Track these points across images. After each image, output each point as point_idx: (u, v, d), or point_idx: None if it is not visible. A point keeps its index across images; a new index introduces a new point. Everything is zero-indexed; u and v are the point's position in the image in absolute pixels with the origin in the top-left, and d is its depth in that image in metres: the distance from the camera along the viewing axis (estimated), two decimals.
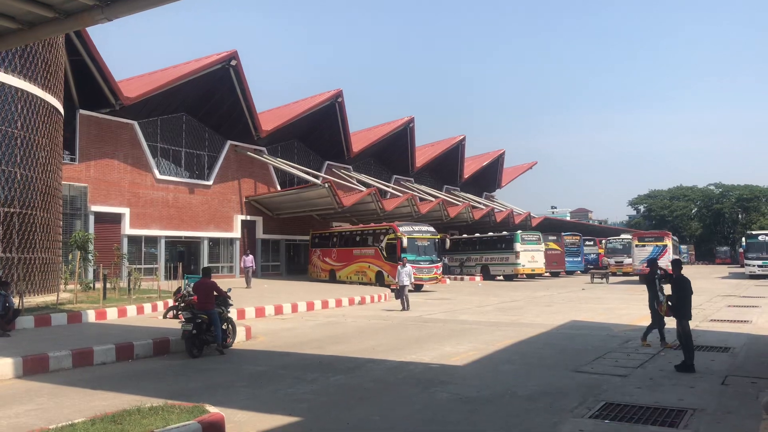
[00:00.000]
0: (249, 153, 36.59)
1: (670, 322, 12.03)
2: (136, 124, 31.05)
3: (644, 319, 12.91)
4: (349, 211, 36.97)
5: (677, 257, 12.33)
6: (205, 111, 34.09)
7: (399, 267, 20.92)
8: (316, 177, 38.49)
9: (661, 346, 12.05)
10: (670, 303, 10.53)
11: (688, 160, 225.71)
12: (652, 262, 11.45)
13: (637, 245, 37.06)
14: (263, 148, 37.64)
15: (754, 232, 45.43)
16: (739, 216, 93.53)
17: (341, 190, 37.56)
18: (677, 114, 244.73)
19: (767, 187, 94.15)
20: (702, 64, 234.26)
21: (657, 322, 12.10)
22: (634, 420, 6.92)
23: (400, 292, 20.50)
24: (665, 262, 28.84)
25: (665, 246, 35.59)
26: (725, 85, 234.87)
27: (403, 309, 19.93)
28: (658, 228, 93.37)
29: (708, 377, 9.18)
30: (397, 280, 20.78)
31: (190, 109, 33.67)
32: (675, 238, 50.94)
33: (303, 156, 41.72)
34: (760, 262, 40.42)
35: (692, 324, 10.14)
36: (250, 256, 29.27)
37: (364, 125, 64.76)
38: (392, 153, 48.43)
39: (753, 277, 40.15)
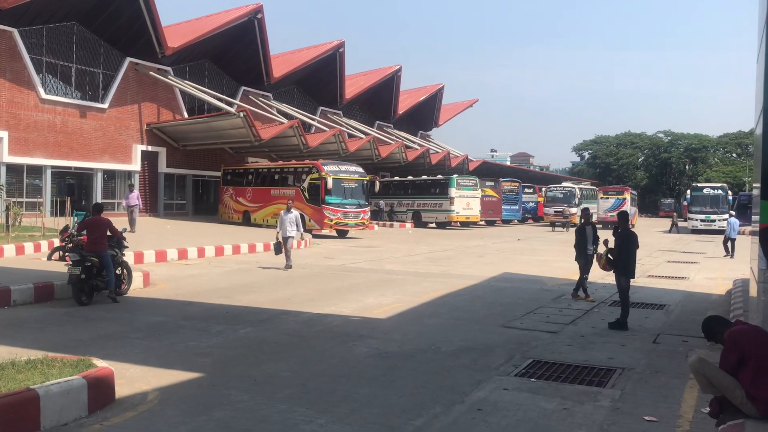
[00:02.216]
0: (152, 73, 35.10)
1: (602, 277, 12.63)
2: (15, 31, 29.11)
3: (578, 271, 13.48)
4: (268, 146, 36.37)
5: (625, 210, 12.82)
6: (100, 21, 32.26)
7: (282, 213, 17.92)
8: (230, 104, 37.50)
9: (572, 296, 12.94)
10: (611, 257, 10.96)
11: (640, 105, 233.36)
12: (622, 213, 11.40)
13: (601, 197, 49.67)
14: (168, 68, 36.18)
15: (699, 185, 47.87)
16: (686, 167, 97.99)
17: (259, 120, 36.81)
18: (630, 52, 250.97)
19: (717, 137, 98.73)
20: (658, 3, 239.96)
21: (585, 271, 12.92)
22: (561, 379, 7.28)
23: (280, 246, 17.41)
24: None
25: (624, 199, 48.06)
26: (682, 28, 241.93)
27: (287, 266, 17.08)
28: (601, 176, 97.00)
29: (640, 335, 9.73)
30: (278, 228, 17.70)
31: (82, 18, 31.80)
32: (634, 192, 58.80)
33: (215, 79, 40.43)
34: (702, 217, 42.79)
35: (632, 278, 10.66)
36: (135, 192, 26.86)
37: (288, 48, 63.23)
38: (319, 82, 47.61)
39: (695, 231, 42.47)
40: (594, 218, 42.92)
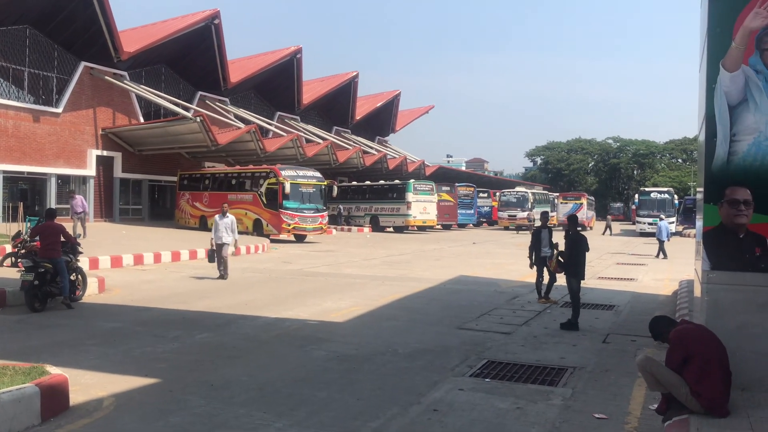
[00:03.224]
0: (107, 78, 34.42)
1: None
2: None
3: (532, 274, 13.68)
4: (225, 151, 36.00)
5: (574, 213, 13.00)
6: (54, 25, 31.50)
7: (217, 217, 16.42)
8: (187, 109, 36.97)
9: (542, 301, 13.02)
10: (561, 259, 11.14)
11: (590, 111, 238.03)
12: (572, 217, 11.55)
13: (561, 202, 54.28)
14: (124, 73, 35.51)
15: (647, 189, 49.07)
16: (635, 172, 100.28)
17: (216, 125, 36.39)
18: (581, 60, 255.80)
19: (663, 143, 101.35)
20: (609, 15, 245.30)
21: (540, 275, 13.07)
22: (515, 379, 7.37)
23: (214, 253, 15.98)
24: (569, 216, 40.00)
25: (581, 203, 52.48)
26: (632, 37, 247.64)
27: (220, 277, 15.77)
28: (553, 181, 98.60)
29: (591, 335, 9.92)
30: (212, 235, 16.14)
31: (35, 21, 31.02)
32: (591, 197, 63.21)
33: (172, 84, 39.83)
34: (650, 220, 43.78)
35: (582, 281, 10.85)
36: (78, 198, 24.16)
37: (246, 54, 62.69)
38: (276, 87, 47.33)
39: (643, 234, 43.42)
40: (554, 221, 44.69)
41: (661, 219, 27.53)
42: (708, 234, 6.51)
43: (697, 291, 7.23)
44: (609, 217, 51.19)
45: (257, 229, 29.70)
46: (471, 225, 52.72)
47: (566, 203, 53.84)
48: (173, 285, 14.60)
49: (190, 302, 12.16)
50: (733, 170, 6.38)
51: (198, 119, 31.77)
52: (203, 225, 32.44)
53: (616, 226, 64.26)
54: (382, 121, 63.02)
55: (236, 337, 9.26)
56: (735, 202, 6.36)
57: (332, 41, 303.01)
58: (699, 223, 7.19)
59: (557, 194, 66.00)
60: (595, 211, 65.15)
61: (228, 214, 16.57)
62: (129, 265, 18.26)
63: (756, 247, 6.33)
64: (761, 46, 6.34)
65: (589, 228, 57.69)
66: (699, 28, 7.64)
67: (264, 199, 29.42)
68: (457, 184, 49.44)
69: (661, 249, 25.52)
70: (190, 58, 39.47)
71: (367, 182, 46.16)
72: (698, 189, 8.08)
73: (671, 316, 10.88)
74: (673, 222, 43.84)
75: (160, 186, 39.19)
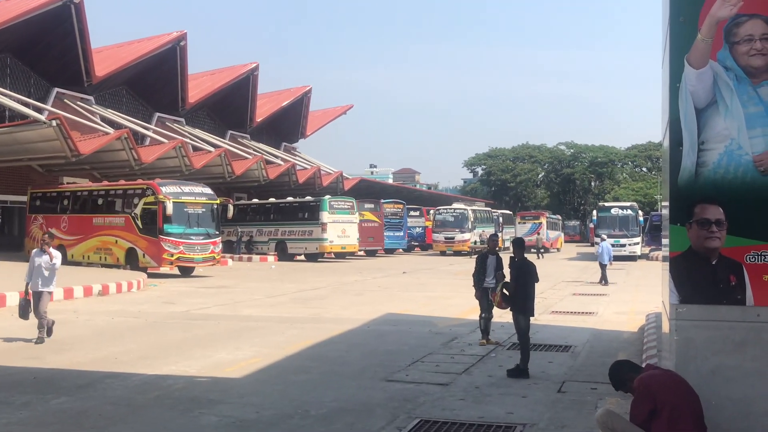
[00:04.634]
0: None
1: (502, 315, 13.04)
2: None
3: (474, 310, 13.85)
4: (89, 162, 35.18)
5: (521, 237, 13.22)
6: None
7: (34, 252, 14.21)
8: (40, 110, 35.92)
9: (481, 340, 13.20)
10: (506, 292, 11.29)
11: (539, 112, 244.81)
12: (517, 241, 11.67)
13: (519, 222, 60.37)
14: None
15: (606, 204, 50.70)
16: (592, 183, 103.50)
17: (77, 130, 35.57)
18: (528, 51, 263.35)
19: (625, 149, 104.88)
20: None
21: (485, 309, 13.16)
22: None
23: (29, 305, 13.79)
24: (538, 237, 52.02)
25: (540, 223, 57.41)
26: (588, 26, 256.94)
27: (38, 339, 13.12)
28: (497, 196, 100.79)
29: (543, 384, 10.09)
30: (26, 278, 13.94)
31: None
32: (555, 216, 69.01)
33: (20, 79, 38.79)
34: (611, 241, 45.13)
35: (531, 317, 11.04)
36: None
37: (117, 41, 61.47)
38: (155, 82, 46.70)
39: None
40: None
41: (603, 239, 28.81)
42: (676, 261, 6.72)
43: (666, 327, 7.46)
44: (536, 235, 52.72)
45: (131, 260, 29.00)
46: (401, 250, 53.14)
47: (524, 223, 58.96)
48: (21, 334, 14.02)
49: (44, 357, 11.72)
50: (703, 184, 6.62)
51: (54, 122, 30.85)
52: (62, 256, 31.44)
53: (572, 248, 66.15)
54: (289, 123, 62.99)
55: (103, 401, 8.96)
56: (705, 222, 6.59)
57: (222, 25, 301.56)
58: (665, 244, 7.42)
59: (504, 211, 67.91)
60: (562, 229, 68.57)
61: (51, 249, 14.02)
62: None
63: (731, 274, 6.57)
64: (730, 39, 6.61)
65: (555, 249, 61.52)
66: (661, 17, 7.94)
67: (139, 222, 28.78)
68: (383, 201, 49.86)
69: (603, 274, 26.99)
70: (43, 46, 38.44)
71: (272, 200, 45.94)
72: (663, 203, 8.36)
73: (637, 358, 11.26)
74: (638, 243, 45.43)
75: (5, 207, 37.90)
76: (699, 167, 6.64)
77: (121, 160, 35.57)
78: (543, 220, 58.47)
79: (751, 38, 6.57)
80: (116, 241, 29.62)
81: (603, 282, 26.67)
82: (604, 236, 30.82)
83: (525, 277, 10.91)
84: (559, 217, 74.02)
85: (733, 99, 6.60)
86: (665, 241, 7.47)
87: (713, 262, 6.60)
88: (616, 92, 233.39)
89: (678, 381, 5.96)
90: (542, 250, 49.93)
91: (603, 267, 27.02)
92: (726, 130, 6.60)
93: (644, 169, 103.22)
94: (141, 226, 28.72)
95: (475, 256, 14.40)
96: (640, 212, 48.22)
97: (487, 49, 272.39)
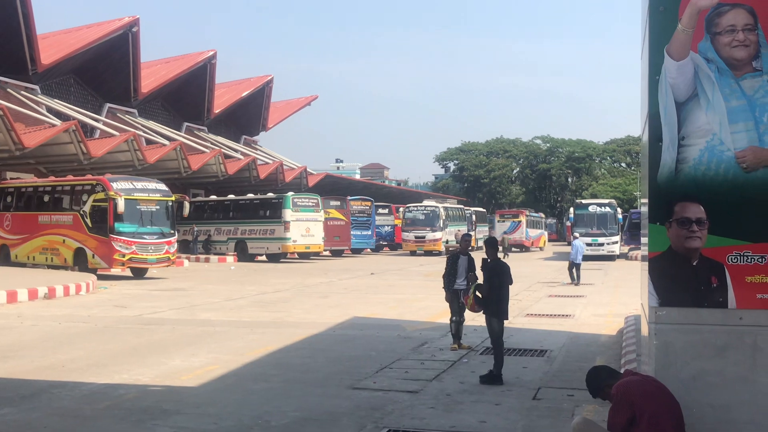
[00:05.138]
0: None
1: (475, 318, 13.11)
2: None
3: (446, 313, 13.90)
4: (35, 156, 34.76)
5: (494, 236, 13.31)
6: None
7: None
8: None
9: (452, 344, 13.23)
10: (479, 294, 11.32)
11: (513, 104, 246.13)
12: (489, 241, 11.77)
13: (498, 220, 61.17)
14: None
15: (583, 202, 51.17)
16: (569, 180, 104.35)
17: (21, 122, 35.19)
18: (501, 40, 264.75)
19: (603, 143, 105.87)
20: None
21: (456, 312, 13.19)
22: None
23: None
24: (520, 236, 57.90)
25: (520, 222, 59.16)
26: (565, 15, 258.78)
27: None
28: (470, 192, 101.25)
29: (518, 390, 10.15)
30: None
31: None
32: (539, 214, 70.96)
33: None
34: (588, 240, 45.46)
35: (505, 320, 11.10)
36: None
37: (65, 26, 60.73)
38: (105, 70, 46.25)
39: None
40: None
41: (575, 237, 29.14)
42: (655, 261, 6.78)
43: (645, 329, 7.53)
44: (505, 236, 52.84)
45: (80, 261, 28.75)
46: (368, 250, 53.19)
47: (503, 221, 60.37)
48: None
49: None
50: (683, 182, 6.67)
51: None
52: (5, 257, 31.20)
53: (548, 247, 66.78)
54: (249, 115, 62.75)
55: (49, 412, 8.87)
56: (686, 221, 6.65)
57: (178, 11, 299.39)
58: (644, 242, 7.48)
59: (477, 209, 68.35)
60: (546, 227, 69.40)
61: None
62: None
63: (712, 276, 6.63)
64: (712, 30, 6.67)
65: (539, 248, 63.69)
66: (640, 6, 8.01)
67: (89, 220, 28.53)
68: (349, 198, 49.85)
69: (573, 273, 27.39)
70: None
71: (231, 196, 45.71)
72: (642, 199, 8.43)
73: (616, 362, 11.37)
74: (616, 242, 45.90)
75: None
76: (679, 164, 6.68)
77: (69, 154, 35.18)
78: (523, 219, 59.53)
79: (734, 29, 6.62)
80: (64, 241, 29.34)
81: (575, 282, 27.03)
82: (577, 234, 31.19)
83: (499, 278, 10.93)
84: (542, 215, 74.79)
85: (714, 92, 6.65)
86: (644, 240, 7.54)
87: (694, 263, 6.66)
88: (594, 84, 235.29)
89: (657, 387, 6.02)
90: (509, 249, 50.11)
91: (577, 266, 27.35)
92: (707, 124, 6.65)
93: (623, 164, 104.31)
94: (90, 225, 28.46)
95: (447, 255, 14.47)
96: (619, 210, 48.62)
97: (458, 39, 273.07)
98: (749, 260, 6.57)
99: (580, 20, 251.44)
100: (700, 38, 6.69)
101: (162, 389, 10.14)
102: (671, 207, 6.70)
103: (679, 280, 6.71)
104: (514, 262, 23.59)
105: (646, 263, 6.99)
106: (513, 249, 54.45)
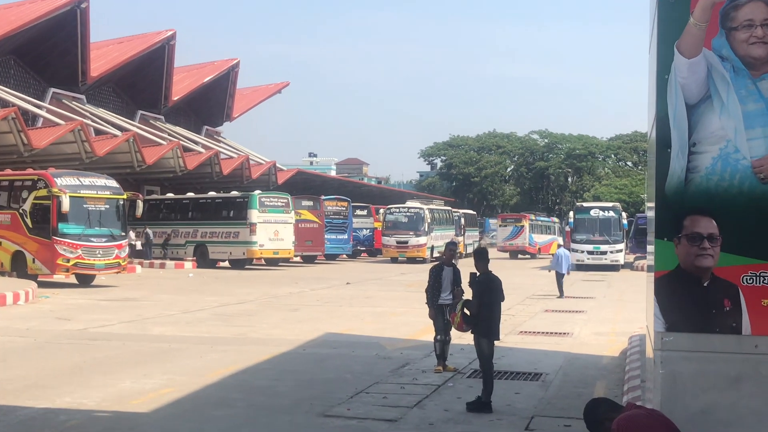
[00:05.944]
0: None
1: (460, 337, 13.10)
2: None
3: (429, 330, 13.90)
4: None
5: (484, 247, 13.25)
6: None
7: None
8: None
9: (437, 366, 13.20)
10: (467, 312, 11.29)
11: (508, 95, 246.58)
12: (479, 252, 11.73)
13: (500, 225, 63.71)
14: None
15: (585, 205, 51.11)
16: (569, 179, 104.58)
17: None
18: (495, 25, 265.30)
19: (607, 139, 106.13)
20: None
21: (441, 330, 13.15)
22: None
23: None
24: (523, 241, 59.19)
25: (522, 226, 60.18)
26: None
27: None
28: (459, 192, 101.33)
29: (509, 419, 10.16)
30: None
31: None
32: (550, 219, 72.48)
33: None
34: (590, 247, 45.42)
35: (496, 340, 11.09)
36: None
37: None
38: (50, 51, 46.13)
39: (581, 267, 44.90)
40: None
41: (559, 246, 28.93)
42: (662, 282, 6.76)
43: (650, 352, 7.52)
44: (480, 239, 53.33)
45: (18, 266, 28.55)
46: (344, 256, 53.16)
47: (505, 226, 62.50)
48: None
49: None
50: (694, 193, 6.65)
51: None
52: None
53: (545, 255, 67.11)
54: (212, 103, 62.58)
55: None
56: (696, 237, 6.62)
57: None
58: (650, 263, 7.47)
59: (466, 211, 68.47)
60: (559, 232, 68.90)
61: None
62: None
63: (725, 298, 6.61)
64: (727, 24, 6.64)
65: (550, 255, 62.20)
66: None
67: (29, 220, 28.36)
68: (324, 198, 49.78)
69: (559, 285, 27.04)
70: None
71: (190, 194, 45.55)
72: (648, 205, 8.42)
73: (618, 388, 11.41)
74: (621, 250, 45.91)
75: None
76: (689, 173, 6.64)
77: (7, 145, 35.02)
78: (526, 223, 60.62)
79: (752, 24, 6.59)
80: (1, 243, 29.14)
81: (558, 294, 26.87)
82: (560, 242, 31.23)
83: (490, 294, 10.88)
84: (554, 220, 75.07)
85: (729, 94, 6.61)
86: (650, 258, 7.52)
87: (705, 284, 6.62)
88: (598, 73, 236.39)
89: (663, 422, 6.02)
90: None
91: (560, 277, 26.98)
92: (721, 130, 6.62)
93: (629, 163, 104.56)
94: (31, 225, 28.29)
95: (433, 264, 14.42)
96: (624, 214, 48.45)
97: (446, 23, 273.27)
98: (766, 281, 6.55)
99: (581, 5, 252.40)
100: (714, 34, 6.65)
101: (109, 415, 10.06)
102: (680, 221, 6.66)
103: (689, 303, 6.67)
104: (506, 271, 23.59)
105: (652, 283, 6.96)
106: (518, 256, 55.75)
